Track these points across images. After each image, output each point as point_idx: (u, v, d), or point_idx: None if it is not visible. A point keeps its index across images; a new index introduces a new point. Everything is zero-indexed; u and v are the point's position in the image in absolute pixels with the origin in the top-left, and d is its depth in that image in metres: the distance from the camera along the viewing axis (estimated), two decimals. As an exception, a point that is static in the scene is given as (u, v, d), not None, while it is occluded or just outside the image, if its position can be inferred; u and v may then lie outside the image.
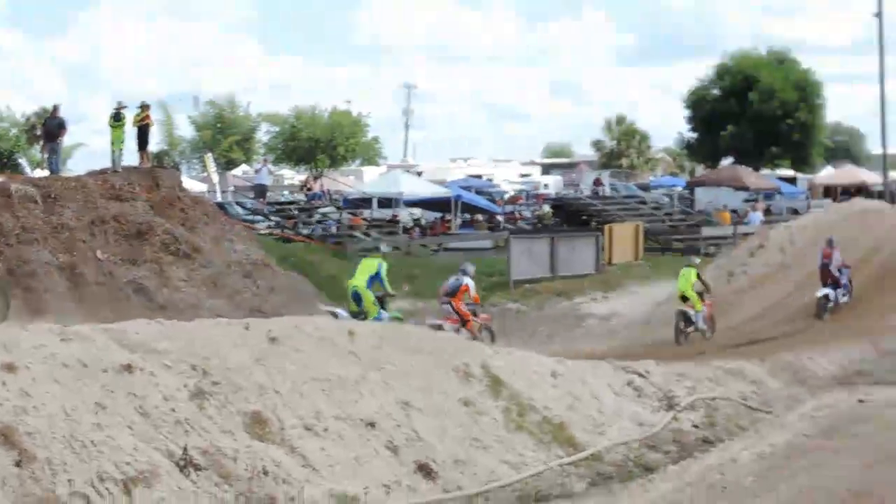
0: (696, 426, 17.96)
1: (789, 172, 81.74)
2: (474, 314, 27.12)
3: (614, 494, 14.22)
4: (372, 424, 13.82)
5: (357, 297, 24.20)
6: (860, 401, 16.33)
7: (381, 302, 24.60)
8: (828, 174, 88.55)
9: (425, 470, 13.66)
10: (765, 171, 78.02)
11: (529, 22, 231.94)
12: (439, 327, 24.34)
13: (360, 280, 24.30)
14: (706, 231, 51.97)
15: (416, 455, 13.73)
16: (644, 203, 61.25)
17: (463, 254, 45.80)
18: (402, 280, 37.72)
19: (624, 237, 45.89)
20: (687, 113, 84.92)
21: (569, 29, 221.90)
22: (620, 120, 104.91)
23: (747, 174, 69.47)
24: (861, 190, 72.18)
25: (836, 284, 32.64)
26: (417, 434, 14.11)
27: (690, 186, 71.78)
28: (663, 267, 44.62)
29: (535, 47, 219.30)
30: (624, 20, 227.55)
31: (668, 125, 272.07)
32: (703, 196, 66.19)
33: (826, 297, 31.83)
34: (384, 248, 28.24)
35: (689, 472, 14.46)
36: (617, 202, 60.03)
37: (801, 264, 35.62)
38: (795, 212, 59.92)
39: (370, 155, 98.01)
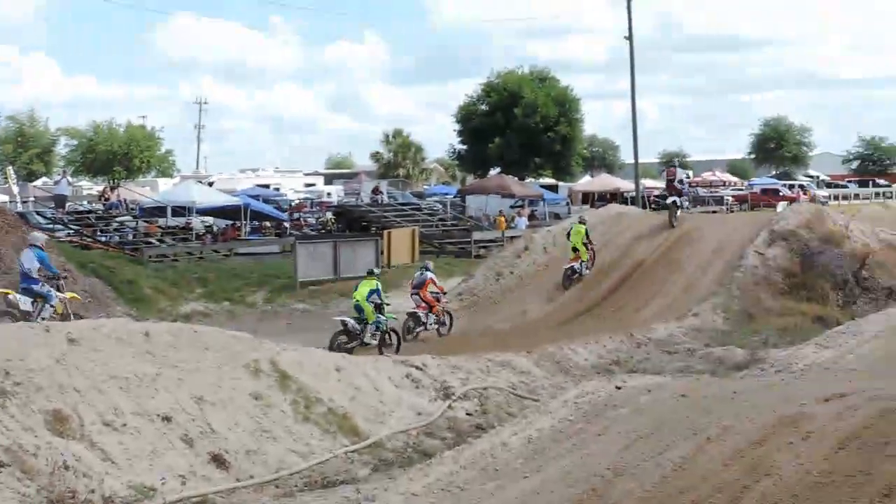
0: (469, 414, 18.15)
1: (551, 181, 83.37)
2: (438, 300, 30.59)
3: (395, 479, 14.23)
4: (168, 419, 13.62)
5: (359, 308, 26.89)
6: (617, 388, 16.60)
7: (379, 309, 27.13)
8: (586, 182, 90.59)
9: (219, 460, 13.53)
10: (529, 180, 79.39)
11: (312, 42, 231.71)
12: (414, 314, 29.71)
13: (361, 295, 27.01)
14: (476, 235, 52.46)
15: (209, 446, 13.59)
16: (419, 210, 61.50)
17: (253, 258, 45.55)
18: (195, 284, 37.29)
19: (401, 241, 46.10)
20: (457, 127, 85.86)
21: (349, 49, 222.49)
22: (397, 133, 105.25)
23: (513, 182, 70.43)
24: (616, 196, 73.97)
25: (679, 195, 38.27)
26: (211, 427, 13.98)
27: (461, 194, 72.37)
28: (437, 268, 44.98)
29: (317, 66, 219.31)
30: (400, 42, 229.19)
31: (441, 138, 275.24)
32: (473, 203, 66.84)
33: (674, 203, 37.94)
34: (377, 270, 29.70)
35: (464, 456, 14.52)
36: (394, 209, 60.15)
37: (562, 263, 36.23)
38: (557, 216, 61.02)
39: (164, 167, 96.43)
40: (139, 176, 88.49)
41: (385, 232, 46.82)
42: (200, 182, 74.78)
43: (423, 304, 30.20)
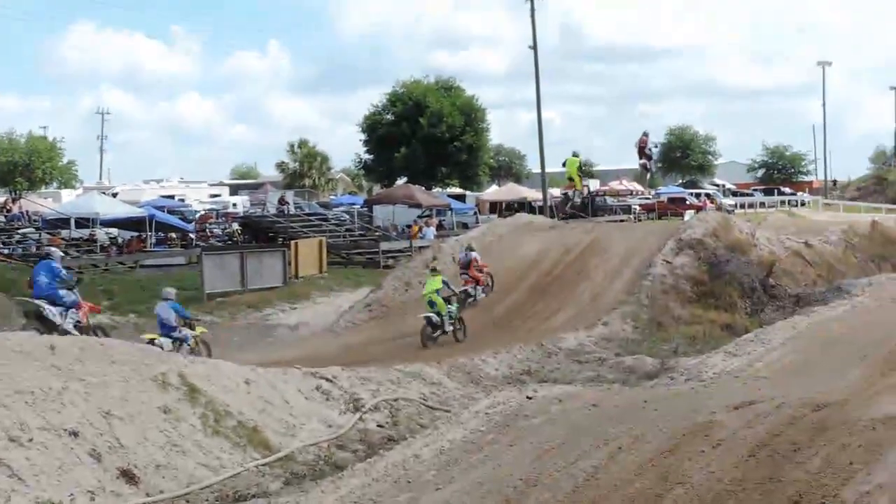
0: (380, 426, 18.17)
1: (458, 190, 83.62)
2: (481, 272, 35.10)
3: (307, 492, 14.22)
4: (75, 434, 13.49)
5: (431, 303, 30.17)
6: (528, 398, 16.73)
7: (448, 301, 30.50)
8: (493, 191, 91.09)
9: (128, 475, 13.43)
10: (436, 190, 79.54)
11: (214, 52, 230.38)
12: (464, 291, 33.59)
13: (431, 291, 30.38)
14: (384, 245, 52.46)
15: (118, 461, 13.49)
16: (326, 220, 61.39)
17: (159, 270, 45.19)
18: (100, 296, 36.84)
19: (308, 252, 45.96)
20: (363, 136, 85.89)
21: (252, 59, 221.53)
22: (302, 143, 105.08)
23: (420, 192, 70.53)
24: (523, 205, 74.40)
25: (649, 159, 41.38)
26: (119, 441, 13.87)
27: (368, 204, 72.33)
28: (345, 279, 44.98)
29: (220, 76, 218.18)
30: (303, 52, 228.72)
31: (347, 148, 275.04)
32: (380, 213, 66.87)
33: (644, 166, 40.10)
34: (438, 266, 33.98)
35: (376, 468, 14.55)
36: (301, 219, 59.98)
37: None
38: (465, 226, 61.25)
39: (67, 178, 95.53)
40: (41, 187, 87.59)
41: (292, 243, 46.66)
42: (104, 193, 74.18)
43: (471, 280, 34.50)
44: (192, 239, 58.97)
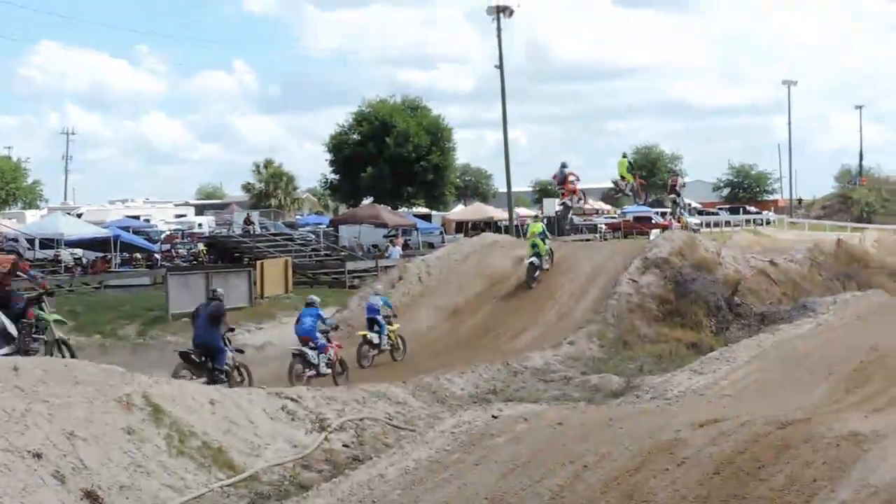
0: (346, 445, 18.15)
1: (424, 210, 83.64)
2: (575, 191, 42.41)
3: (273, 512, 14.24)
4: (38, 455, 13.42)
5: (534, 245, 36.16)
6: (494, 417, 16.76)
7: (543, 239, 36.56)
8: (459, 211, 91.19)
9: (92, 497, 13.37)
10: (402, 209, 79.57)
11: (180, 72, 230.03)
12: (563, 203, 43.19)
13: (534, 234, 36.65)
14: (350, 265, 52.41)
15: (82, 482, 13.43)
16: (292, 240, 61.32)
17: (124, 291, 45.08)
18: (65, 317, 36.67)
19: (274, 272, 45.92)
20: (329, 156, 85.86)
21: (217, 78, 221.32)
22: (268, 163, 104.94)
23: (386, 212, 70.47)
24: (490, 224, 74.55)
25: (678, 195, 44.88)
26: (83, 462, 13.81)
27: (334, 224, 72.30)
28: (312, 299, 44.94)
29: (186, 95, 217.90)
30: (269, 71, 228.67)
31: (313, 168, 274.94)
32: (346, 233, 66.83)
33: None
34: (541, 215, 40.37)
35: (341, 488, 14.54)
36: (267, 239, 59.90)
37: (436, 292, 36.46)
38: (431, 245, 61.32)
39: (31, 198, 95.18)
40: (5, 207, 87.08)
41: (258, 263, 46.62)
42: (69, 213, 73.81)
43: (567, 192, 40.56)
44: (158, 259, 58.82)
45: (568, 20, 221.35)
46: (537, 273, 36.02)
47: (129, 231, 65.24)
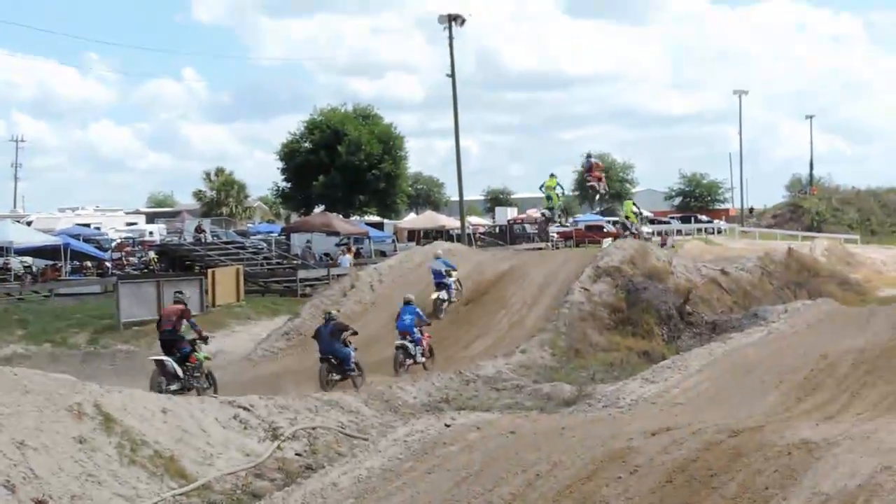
0: (299, 454, 18.11)
1: (376, 218, 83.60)
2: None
3: (225, 521, 14.20)
4: (-13, 465, 13.34)
5: (549, 198, 39.35)
6: (447, 425, 16.79)
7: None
8: (411, 219, 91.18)
9: (42, 506, 13.29)
10: (354, 218, 79.47)
11: (129, 79, 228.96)
12: (591, 187, 44.62)
13: (551, 186, 40.16)
14: (302, 273, 52.34)
15: (33, 492, 13.34)
16: (244, 248, 61.21)
17: (74, 299, 44.81)
18: (14, 326, 36.51)
19: (226, 280, 45.82)
20: (281, 164, 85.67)
21: (167, 86, 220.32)
22: (219, 171, 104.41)
23: (338, 220, 70.37)
24: (442, 233, 74.61)
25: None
26: (34, 472, 13.72)
27: (286, 232, 72.14)
28: (263, 307, 44.85)
29: (135, 103, 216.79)
30: (219, 79, 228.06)
31: (264, 176, 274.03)
32: (298, 241, 66.71)
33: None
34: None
35: (294, 496, 14.53)
36: (218, 248, 59.74)
37: (389, 300, 36.43)
38: (383, 254, 61.32)
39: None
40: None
41: (209, 271, 46.52)
42: (18, 222, 73.30)
43: (593, 179, 42.76)
44: (108, 267, 58.63)
45: (519, 30, 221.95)
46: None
47: (79, 239, 64.90)
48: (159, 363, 24.68)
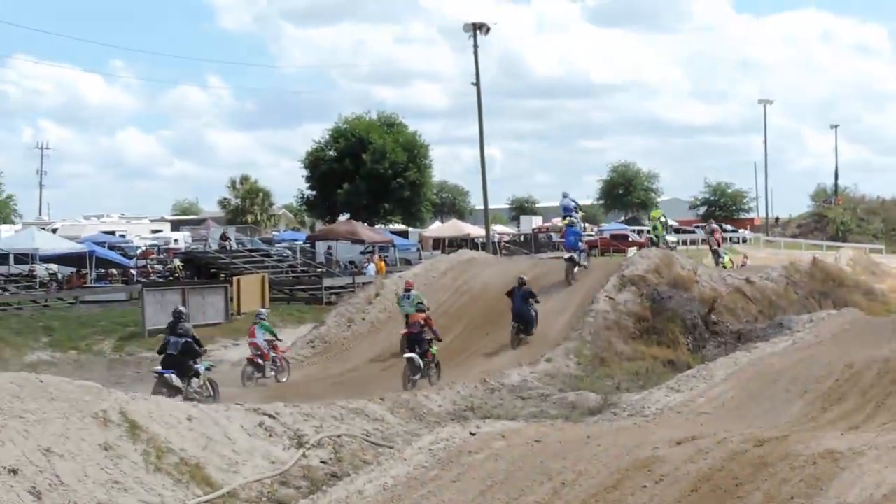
0: (324, 462, 18.12)
1: (401, 227, 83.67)
2: None
3: (250, 529, 14.22)
4: (14, 472, 13.37)
5: (655, 227, 40.98)
6: (472, 434, 16.80)
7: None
8: (436, 228, 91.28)
9: (68, 513, 13.33)
10: (379, 226, 79.54)
11: (154, 86, 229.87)
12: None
13: (656, 217, 42.70)
14: (327, 281, 52.39)
15: (59, 499, 13.38)
16: (269, 256, 61.31)
17: (99, 306, 44.97)
18: (40, 333, 36.67)
19: (251, 288, 45.85)
20: (306, 172, 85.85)
21: (192, 94, 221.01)
22: (244, 179, 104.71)
23: (363, 228, 70.45)
24: (466, 241, 74.63)
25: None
26: (60, 479, 13.75)
27: (311, 240, 72.28)
28: (288, 315, 44.91)
29: (161, 110, 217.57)
30: (245, 88, 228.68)
31: (289, 184, 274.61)
32: (322, 249, 66.81)
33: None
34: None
35: (319, 504, 14.59)
36: (243, 255, 59.85)
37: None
38: (408, 262, 61.34)
39: (5, 213, 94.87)
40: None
41: (234, 279, 46.58)
42: (44, 229, 73.61)
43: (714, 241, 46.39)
44: (133, 275, 58.72)
45: (542, 38, 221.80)
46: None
47: (104, 246, 65.05)
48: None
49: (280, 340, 31.46)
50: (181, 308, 27.51)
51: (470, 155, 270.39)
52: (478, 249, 60.43)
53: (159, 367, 25.05)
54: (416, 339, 28.58)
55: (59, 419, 15.23)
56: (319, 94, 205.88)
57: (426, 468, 15.16)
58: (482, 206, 75.17)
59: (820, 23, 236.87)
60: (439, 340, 29.44)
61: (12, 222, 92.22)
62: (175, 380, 24.43)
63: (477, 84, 70.29)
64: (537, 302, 32.89)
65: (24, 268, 54.93)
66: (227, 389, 26.62)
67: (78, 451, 14.68)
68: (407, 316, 31.17)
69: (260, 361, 30.20)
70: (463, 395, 25.58)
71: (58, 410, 15.47)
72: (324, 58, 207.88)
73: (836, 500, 10.81)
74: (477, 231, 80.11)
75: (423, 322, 28.87)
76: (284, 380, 30.63)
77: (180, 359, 24.80)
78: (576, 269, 37.15)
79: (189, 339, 25.19)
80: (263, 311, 33.23)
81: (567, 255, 38.00)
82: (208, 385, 25.66)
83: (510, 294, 32.65)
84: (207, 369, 25.97)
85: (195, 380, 25.02)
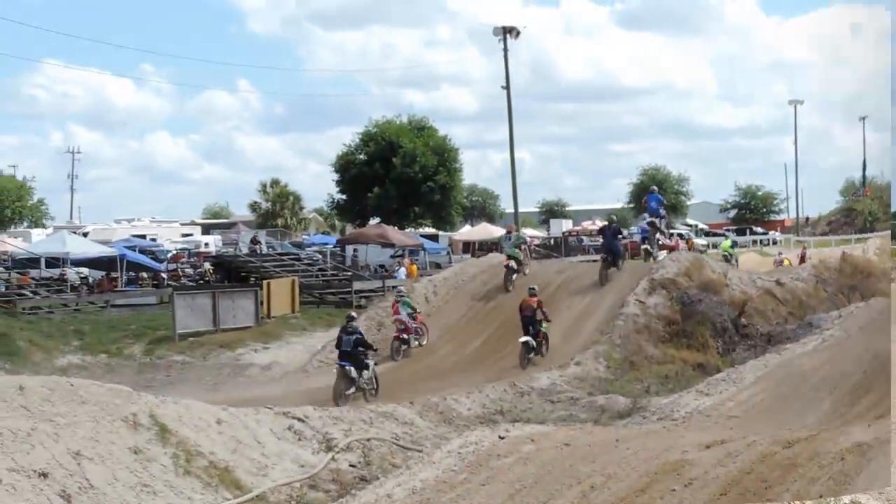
0: (353, 465, 18.14)
1: (431, 230, 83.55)
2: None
3: (279, 532, 14.22)
4: (45, 475, 13.42)
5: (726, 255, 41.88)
6: (501, 437, 16.76)
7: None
8: (466, 231, 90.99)
9: (98, 516, 13.36)
10: (409, 230, 79.50)
11: (184, 91, 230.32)
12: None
13: (727, 247, 46.69)
14: (357, 285, 52.39)
15: (88, 502, 13.42)
16: (299, 260, 61.33)
17: (130, 310, 45.11)
18: (70, 336, 36.80)
19: (281, 292, 45.88)
20: (336, 176, 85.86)
21: (222, 98, 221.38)
22: (274, 183, 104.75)
23: (393, 232, 70.42)
24: (496, 245, 74.46)
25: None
26: (89, 482, 13.80)
27: (341, 244, 72.29)
28: (318, 318, 44.93)
29: (190, 114, 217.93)
30: (275, 92, 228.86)
31: (319, 188, 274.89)
32: (349, 252, 66.84)
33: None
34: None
35: (348, 508, 14.59)
36: (274, 259, 59.93)
37: (443, 313, 36.44)
38: (438, 266, 61.28)
39: (37, 217, 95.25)
40: (11, 227, 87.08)
41: (265, 282, 46.60)
42: (74, 233, 73.94)
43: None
44: (164, 279, 58.90)
45: (572, 41, 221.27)
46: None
47: (135, 250, 65.32)
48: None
49: (420, 312, 34.70)
50: (353, 313, 31.12)
51: (499, 158, 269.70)
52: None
53: (339, 361, 27.66)
54: (529, 321, 31.17)
55: (89, 422, 15.29)
56: (348, 98, 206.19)
57: (455, 472, 15.13)
58: (512, 210, 75.10)
59: (848, 16, 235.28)
60: (548, 321, 31.78)
61: (43, 226, 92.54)
62: (352, 371, 26.92)
63: (507, 88, 70.34)
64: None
65: (56, 271, 55.14)
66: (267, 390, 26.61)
67: (108, 455, 14.74)
68: (510, 258, 38.45)
69: (405, 336, 33.32)
70: (492, 399, 25.57)
71: (88, 414, 15.53)
72: (353, 61, 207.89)
73: (862, 492, 10.72)
74: (507, 235, 79.91)
75: (534, 305, 31.27)
76: (425, 342, 34.12)
77: (353, 352, 27.32)
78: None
79: (359, 335, 27.82)
80: (402, 288, 36.52)
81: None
82: (374, 378, 27.98)
83: (601, 232, 39.40)
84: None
85: (365, 372, 27.48)
